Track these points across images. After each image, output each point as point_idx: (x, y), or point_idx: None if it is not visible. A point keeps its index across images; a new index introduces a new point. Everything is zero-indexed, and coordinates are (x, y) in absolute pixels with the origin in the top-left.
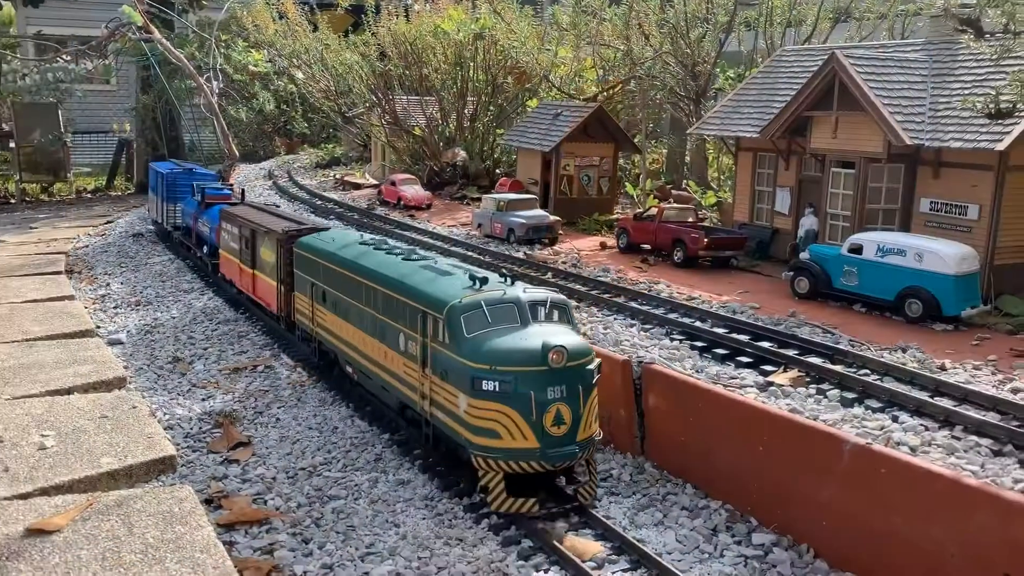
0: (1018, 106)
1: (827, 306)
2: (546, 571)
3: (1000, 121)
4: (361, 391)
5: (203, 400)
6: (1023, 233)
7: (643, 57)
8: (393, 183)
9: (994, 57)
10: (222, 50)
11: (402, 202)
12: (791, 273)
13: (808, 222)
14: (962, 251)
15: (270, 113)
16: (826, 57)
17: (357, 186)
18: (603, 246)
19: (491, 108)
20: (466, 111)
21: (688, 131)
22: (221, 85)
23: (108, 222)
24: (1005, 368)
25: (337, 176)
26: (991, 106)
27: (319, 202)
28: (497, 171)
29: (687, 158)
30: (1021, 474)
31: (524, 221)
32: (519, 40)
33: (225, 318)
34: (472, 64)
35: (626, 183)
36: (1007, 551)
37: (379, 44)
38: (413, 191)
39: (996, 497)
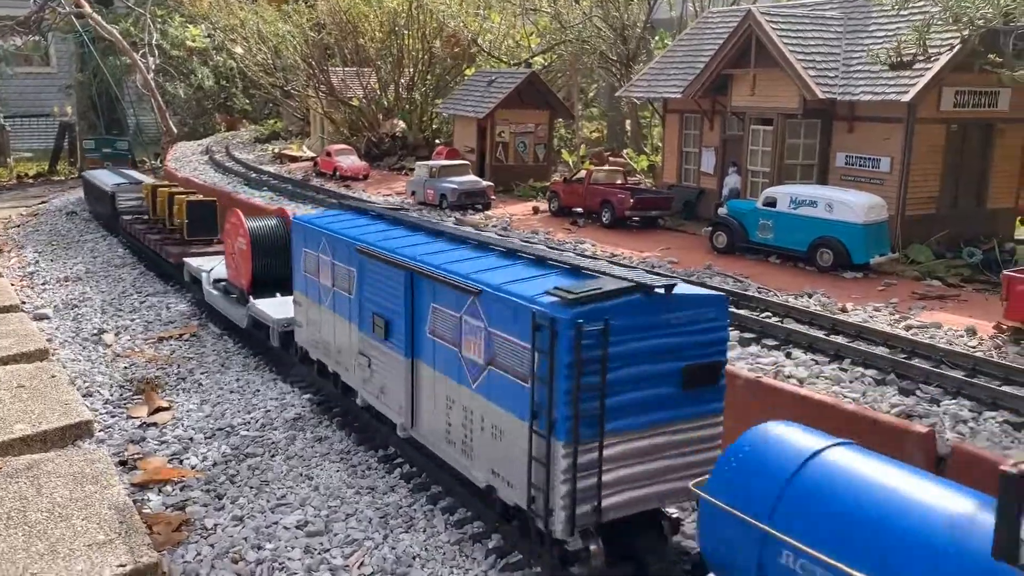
0: (918, 56)
1: (744, 259)
2: (452, 513)
3: (904, 72)
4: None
5: (125, 368)
6: (932, 184)
7: (572, 21)
8: (329, 154)
9: (895, 7)
10: (158, 25)
11: (338, 173)
12: (710, 228)
13: (732, 181)
14: (870, 201)
15: (210, 89)
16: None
17: (295, 159)
18: (536, 210)
19: (429, 78)
20: (403, 81)
21: (616, 94)
22: (157, 61)
23: (43, 202)
24: (903, 309)
25: (275, 150)
26: (893, 57)
27: (254, 175)
28: (437, 141)
29: (627, 125)
30: (898, 399)
31: (456, 187)
32: (445, 3)
33: (154, 290)
34: (407, 33)
35: (562, 150)
36: None
37: (313, 14)
38: (349, 162)
39: (872, 419)
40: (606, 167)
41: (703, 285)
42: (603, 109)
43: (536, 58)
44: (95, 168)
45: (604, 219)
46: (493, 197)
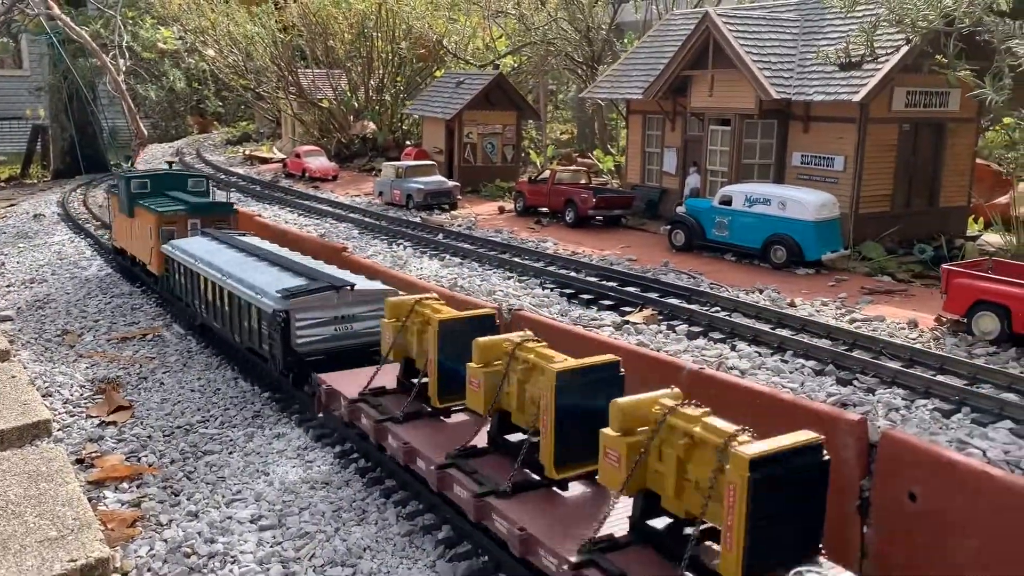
0: (866, 57)
1: (700, 256)
2: (404, 506)
3: (855, 72)
4: None
5: (87, 368)
6: (885, 183)
7: (537, 23)
8: (298, 155)
9: (844, 9)
10: (129, 27)
11: (307, 174)
12: (669, 227)
13: (693, 180)
14: (822, 198)
15: (181, 92)
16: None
17: (265, 160)
18: (501, 210)
19: (399, 79)
20: (372, 82)
21: (580, 95)
22: (128, 63)
23: (11, 205)
24: (851, 304)
25: (246, 152)
26: (842, 57)
27: (223, 176)
28: (407, 142)
29: (596, 127)
30: (835, 389)
31: (422, 187)
32: (410, 5)
33: (120, 292)
34: (376, 35)
35: (530, 151)
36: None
37: (281, 15)
38: (318, 163)
39: (807, 408)
40: (571, 167)
41: (658, 282)
42: (573, 110)
43: (505, 60)
44: (168, 227)
45: (567, 218)
46: (460, 197)
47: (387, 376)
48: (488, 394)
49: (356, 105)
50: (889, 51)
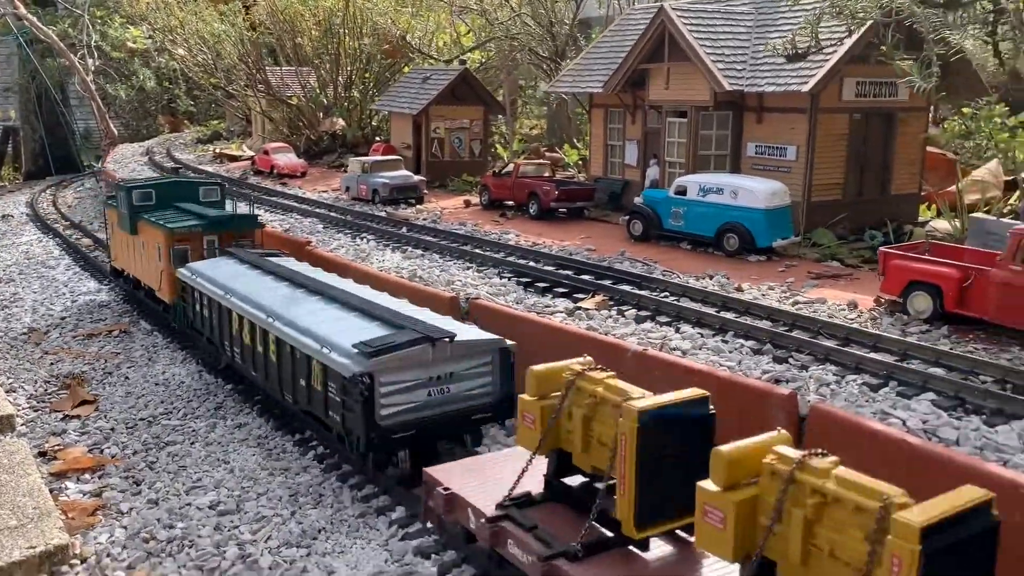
0: (812, 48)
1: (657, 245)
2: (360, 488)
3: (804, 64)
4: None
5: (52, 365)
6: (837, 171)
7: (500, 18)
8: (266, 152)
9: (791, 1)
10: (97, 27)
11: (275, 170)
12: (627, 217)
13: (653, 172)
14: (772, 187)
15: (152, 91)
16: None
17: (234, 158)
18: (468, 204)
19: (367, 76)
20: (341, 79)
21: (543, 89)
22: (97, 63)
23: None
24: (797, 287)
25: (216, 150)
26: (789, 49)
27: (192, 174)
28: (376, 138)
29: (564, 121)
30: (770, 366)
31: (387, 182)
32: (373, 1)
33: (86, 290)
34: (344, 32)
35: (498, 146)
36: (757, 424)
37: (250, 14)
38: (286, 159)
39: (741, 384)
40: (535, 161)
41: (612, 270)
42: (544, 106)
43: (472, 56)
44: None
45: (531, 211)
46: (426, 191)
47: (515, 465)
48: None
49: (325, 102)
50: (833, 43)
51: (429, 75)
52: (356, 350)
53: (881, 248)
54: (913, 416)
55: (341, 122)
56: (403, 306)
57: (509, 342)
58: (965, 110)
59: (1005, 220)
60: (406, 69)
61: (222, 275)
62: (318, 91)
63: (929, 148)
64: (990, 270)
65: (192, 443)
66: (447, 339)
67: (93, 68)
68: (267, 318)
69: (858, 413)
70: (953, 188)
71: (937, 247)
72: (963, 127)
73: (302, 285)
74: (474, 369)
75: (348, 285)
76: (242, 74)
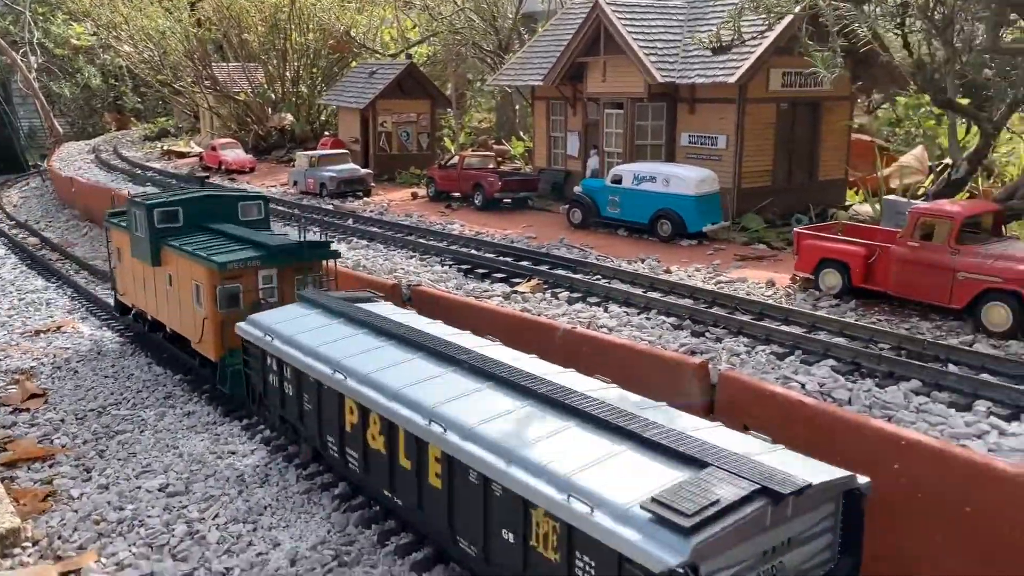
0: (735, 41)
1: (596, 232)
2: (305, 467)
3: (730, 55)
4: None
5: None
6: (766, 159)
7: (444, 13)
8: (214, 148)
9: None
10: (39, 23)
11: (223, 166)
12: (567, 206)
13: (593, 163)
14: (701, 174)
15: (98, 88)
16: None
17: (183, 155)
18: (415, 196)
19: (315, 71)
20: (288, 75)
21: (487, 83)
22: (40, 60)
23: None
24: (723, 268)
25: (163, 147)
26: (714, 41)
27: (139, 172)
28: (326, 133)
29: (511, 114)
30: (688, 340)
31: (335, 175)
32: None
33: (34, 288)
34: (290, 27)
35: (446, 139)
36: (668, 391)
37: (195, 10)
38: (234, 155)
39: (659, 356)
40: (479, 153)
41: (549, 256)
42: (494, 99)
43: (420, 50)
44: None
45: (476, 201)
46: (373, 184)
47: None
48: None
49: (273, 97)
50: (754, 36)
51: (375, 69)
52: (651, 516)
53: (796, 229)
54: (812, 380)
55: (290, 117)
56: (623, 399)
57: (861, 478)
58: (900, 99)
59: (914, 201)
60: (353, 64)
61: (312, 335)
62: (266, 87)
63: (859, 136)
64: (892, 247)
65: (142, 431)
66: (793, 493)
67: (36, 66)
68: (425, 422)
69: (763, 379)
70: (885, 172)
71: (849, 227)
72: (893, 115)
73: (449, 358)
74: (814, 529)
75: (500, 352)
76: (189, 70)
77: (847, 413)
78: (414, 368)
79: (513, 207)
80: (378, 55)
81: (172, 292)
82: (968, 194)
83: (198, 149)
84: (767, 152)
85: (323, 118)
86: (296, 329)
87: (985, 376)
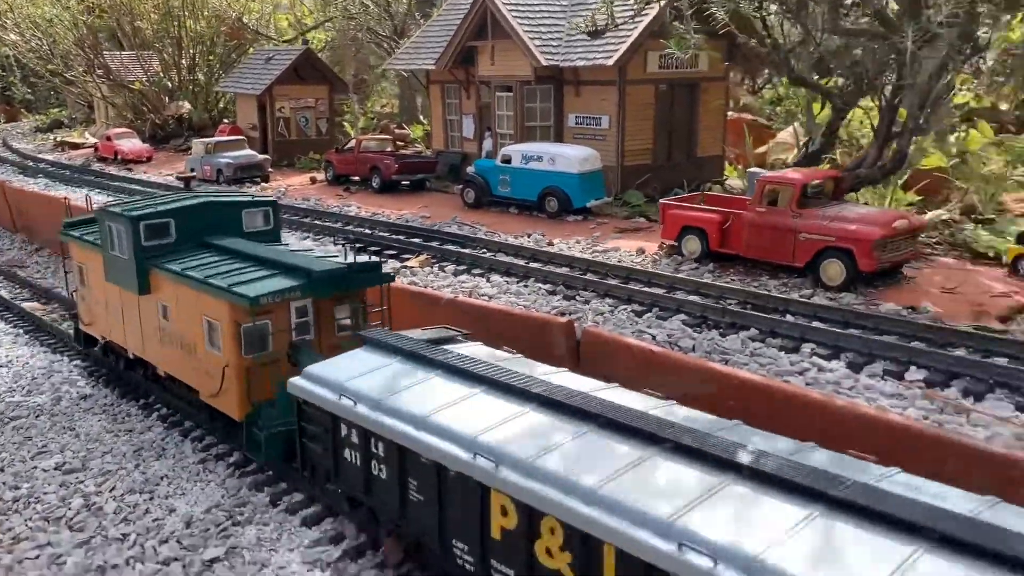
0: (609, 25)
1: (488, 211)
2: (200, 440)
3: (609, 39)
4: None
5: None
6: (646, 138)
7: None
8: (109, 138)
9: None
10: None
11: (120, 156)
12: (461, 186)
13: (488, 144)
14: (585, 153)
15: None
16: None
17: (76, 146)
18: (313, 180)
19: (211, 58)
20: (184, 63)
21: (380, 67)
22: None
23: None
24: (601, 240)
25: (57, 138)
26: (589, 25)
27: (31, 163)
28: (225, 120)
29: (412, 98)
30: (560, 303)
31: (231, 161)
32: None
33: None
34: (184, 14)
35: (346, 123)
36: (539, 349)
37: None
38: (130, 145)
39: (531, 317)
40: (377, 136)
41: (441, 233)
42: (398, 84)
43: (317, 35)
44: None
45: (374, 184)
46: (271, 170)
47: None
48: None
49: (169, 86)
50: (626, 20)
51: (272, 55)
52: None
53: (661, 201)
54: (663, 332)
55: (187, 105)
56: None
57: None
58: (783, 80)
59: (772, 172)
60: (251, 51)
61: (413, 397)
62: (161, 75)
63: (743, 115)
64: (743, 213)
65: (37, 416)
66: None
67: None
68: (671, 547)
69: (620, 333)
70: (762, 149)
71: (710, 198)
72: (776, 95)
73: (649, 435)
74: None
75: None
76: (80, 60)
77: (690, 358)
78: (597, 448)
79: (412, 189)
80: (273, 41)
81: (169, 328)
82: (829, 165)
83: (93, 140)
84: (647, 131)
85: (221, 105)
86: (384, 388)
87: (816, 323)
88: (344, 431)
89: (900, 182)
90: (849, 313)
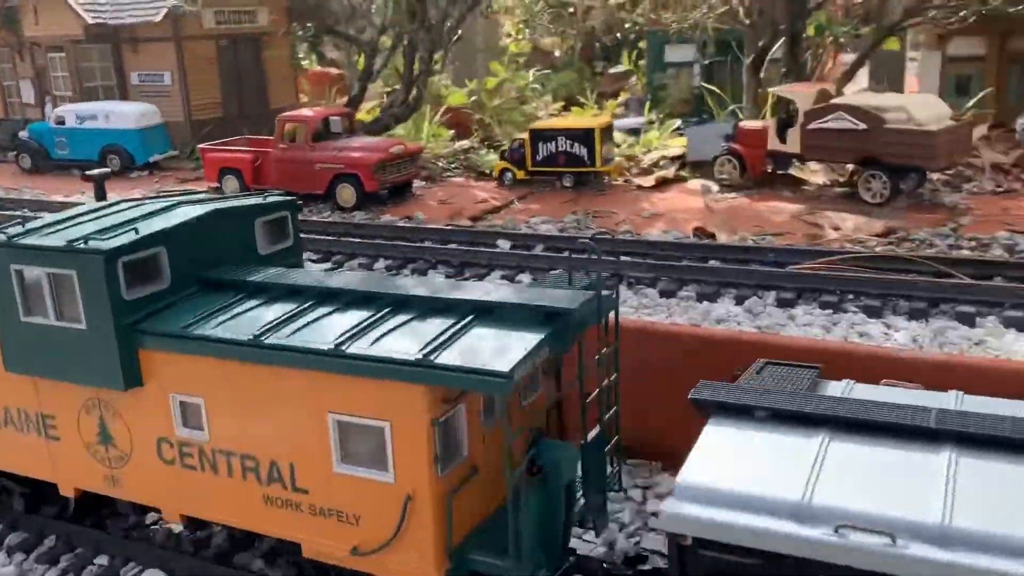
0: None
1: (51, 176)
2: None
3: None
4: None
5: None
6: (213, 92)
7: None
8: None
9: None
10: None
11: None
12: (14, 153)
13: (50, 109)
14: (142, 108)
15: None
16: None
17: None
18: None
19: None
20: None
21: None
22: None
23: None
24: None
25: None
26: None
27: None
28: None
29: None
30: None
31: None
32: None
33: None
34: None
35: None
36: None
37: None
38: None
39: None
40: None
41: None
42: None
43: None
44: None
45: None
46: None
47: None
48: None
49: None
50: None
51: None
52: None
53: (200, 146)
54: None
55: None
56: None
57: None
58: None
59: (289, 112)
60: None
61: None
62: None
63: (329, 69)
64: (270, 151)
65: None
66: None
67: None
68: None
69: None
70: (342, 100)
71: (244, 140)
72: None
73: None
74: None
75: None
76: None
77: None
78: None
79: None
80: None
81: (204, 442)
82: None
83: None
84: (213, 85)
85: None
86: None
87: (327, 236)
88: None
89: (436, 119)
90: (351, 225)
